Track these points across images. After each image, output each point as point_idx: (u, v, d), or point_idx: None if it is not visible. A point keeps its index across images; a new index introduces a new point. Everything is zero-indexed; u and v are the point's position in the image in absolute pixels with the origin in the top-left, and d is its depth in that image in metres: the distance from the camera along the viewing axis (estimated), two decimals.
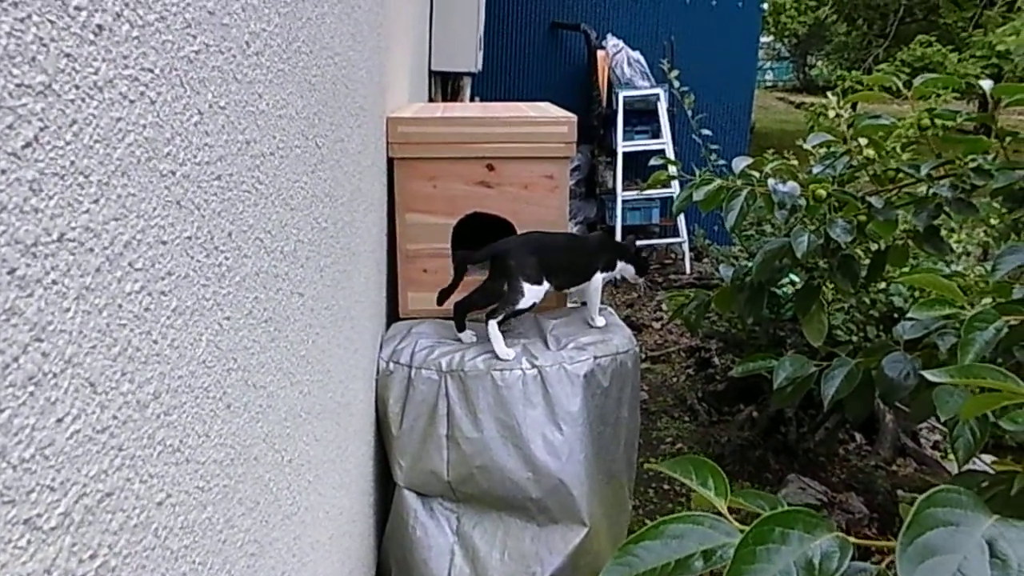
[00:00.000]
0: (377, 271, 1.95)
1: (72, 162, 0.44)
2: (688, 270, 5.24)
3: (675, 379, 3.92)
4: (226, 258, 0.73)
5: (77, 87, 0.44)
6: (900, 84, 1.92)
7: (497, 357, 1.87)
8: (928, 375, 0.90)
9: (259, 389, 0.86)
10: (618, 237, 5.26)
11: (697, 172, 2.05)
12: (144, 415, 0.55)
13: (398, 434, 1.92)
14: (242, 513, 0.80)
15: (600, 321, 2.09)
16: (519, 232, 2.14)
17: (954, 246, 2.91)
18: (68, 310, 0.44)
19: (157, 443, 0.57)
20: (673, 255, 5.63)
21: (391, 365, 1.94)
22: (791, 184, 1.88)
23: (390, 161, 2.08)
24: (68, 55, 0.43)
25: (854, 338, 2.69)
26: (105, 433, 0.49)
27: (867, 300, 2.71)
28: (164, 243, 0.58)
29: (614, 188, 5.26)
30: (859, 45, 11.77)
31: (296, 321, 1.03)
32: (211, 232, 0.68)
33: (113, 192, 0.50)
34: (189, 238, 0.63)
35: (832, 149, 1.92)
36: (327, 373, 1.28)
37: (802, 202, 1.91)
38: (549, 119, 2.11)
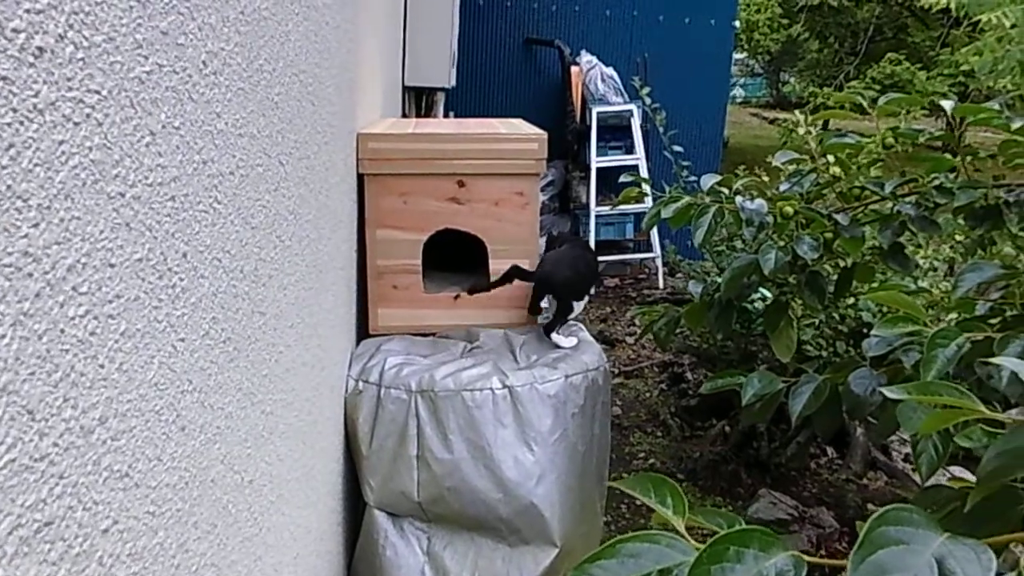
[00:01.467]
0: (347, 288, 1.95)
1: (8, 186, 0.43)
2: (661, 285, 5.27)
3: (648, 394, 3.93)
4: (180, 279, 0.72)
5: (15, 110, 0.44)
6: (865, 102, 1.95)
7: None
8: (887, 392, 0.91)
9: (217, 410, 0.85)
10: None
11: (667, 188, 2.07)
12: (89, 441, 0.54)
13: (368, 454, 1.91)
14: (197, 537, 0.79)
15: (568, 342, 2.09)
16: (489, 248, 2.15)
17: (921, 261, 2.95)
18: (3, 336, 0.43)
19: (103, 469, 0.56)
20: (647, 270, 5.66)
21: (360, 384, 1.93)
22: (759, 201, 1.90)
23: (360, 177, 2.08)
24: (4, 78, 0.42)
25: (824, 353, 2.71)
26: (44, 461, 0.48)
27: (836, 315, 2.74)
28: (112, 266, 0.57)
29: (588, 203, 5.28)
30: (831, 62, 11.95)
31: (257, 341, 1.02)
32: (164, 253, 0.68)
33: (55, 216, 0.49)
34: (140, 260, 0.62)
35: (799, 167, 1.95)
36: (292, 392, 1.27)
37: (770, 219, 1.93)
38: (519, 136, 2.12)
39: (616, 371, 4.17)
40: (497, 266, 2.18)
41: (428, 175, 2.10)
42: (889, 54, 9.86)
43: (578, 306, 2.13)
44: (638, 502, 2.99)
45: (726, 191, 2.05)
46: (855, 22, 11.12)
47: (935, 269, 3.10)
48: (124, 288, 0.59)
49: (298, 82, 1.22)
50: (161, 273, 0.67)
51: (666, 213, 1.89)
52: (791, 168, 2.10)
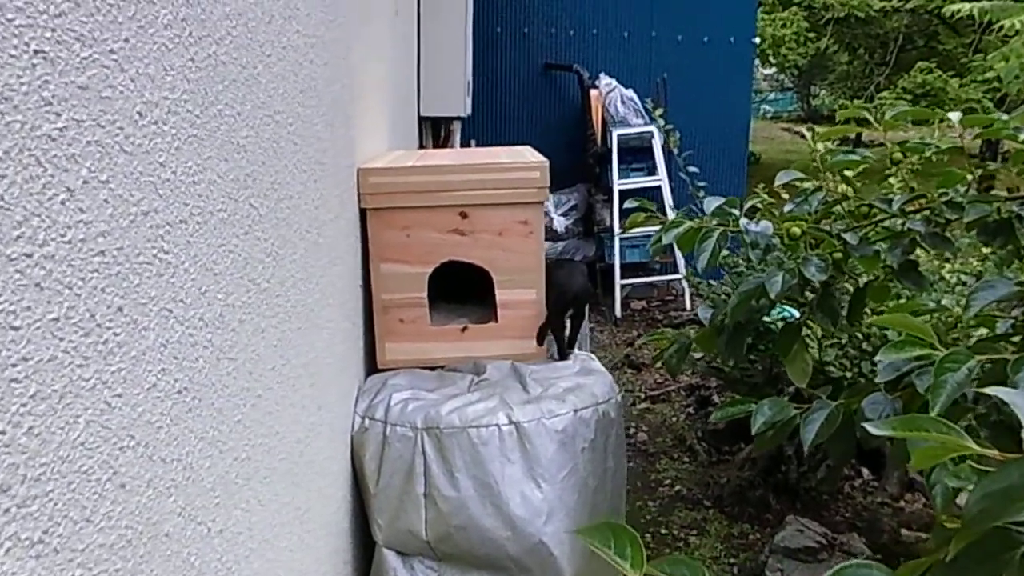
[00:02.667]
0: (350, 323, 1.94)
1: None
2: (689, 306, 5.20)
3: (675, 418, 3.86)
4: (115, 334, 0.71)
5: None
6: (872, 117, 1.90)
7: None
8: (869, 427, 0.86)
9: (170, 463, 0.83)
10: (617, 275, 5.24)
11: (672, 212, 2.03)
12: None
13: (375, 492, 1.88)
14: None
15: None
16: (495, 279, 2.13)
17: (947, 275, 2.86)
18: None
19: (5, 539, 0.54)
20: (674, 291, 5.59)
21: (366, 421, 1.91)
22: (764, 223, 1.85)
23: (363, 211, 2.07)
24: None
25: (848, 374, 2.63)
26: None
27: (859, 334, 2.66)
28: (15, 328, 0.56)
29: (612, 226, 5.24)
30: (861, 74, 11.79)
31: (226, 388, 1.01)
32: (90, 310, 0.66)
33: None
34: (56, 319, 0.61)
35: (805, 186, 1.90)
36: (275, 436, 1.25)
37: (776, 241, 1.88)
38: (521, 164, 2.10)
39: (642, 396, 4.11)
40: (504, 296, 2.15)
41: (430, 207, 2.08)
42: (920, 63, 9.70)
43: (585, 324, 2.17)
44: (663, 532, 2.93)
45: (736, 212, 2.01)
46: (884, 32, 10.97)
47: (964, 283, 3.00)
48: (33, 350, 0.58)
49: (272, 123, 1.22)
50: (87, 331, 0.66)
51: (667, 239, 1.85)
52: (808, 186, 2.05)
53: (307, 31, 1.45)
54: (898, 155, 1.83)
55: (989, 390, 0.87)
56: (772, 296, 1.75)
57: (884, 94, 9.35)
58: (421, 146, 4.09)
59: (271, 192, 1.22)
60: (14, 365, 0.56)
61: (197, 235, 0.91)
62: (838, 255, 1.85)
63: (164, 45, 0.80)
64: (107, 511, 0.69)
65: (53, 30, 0.60)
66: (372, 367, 2.20)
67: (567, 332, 2.20)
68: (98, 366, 0.68)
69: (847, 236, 1.81)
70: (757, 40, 5.80)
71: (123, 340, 0.72)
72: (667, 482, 3.28)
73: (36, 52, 0.58)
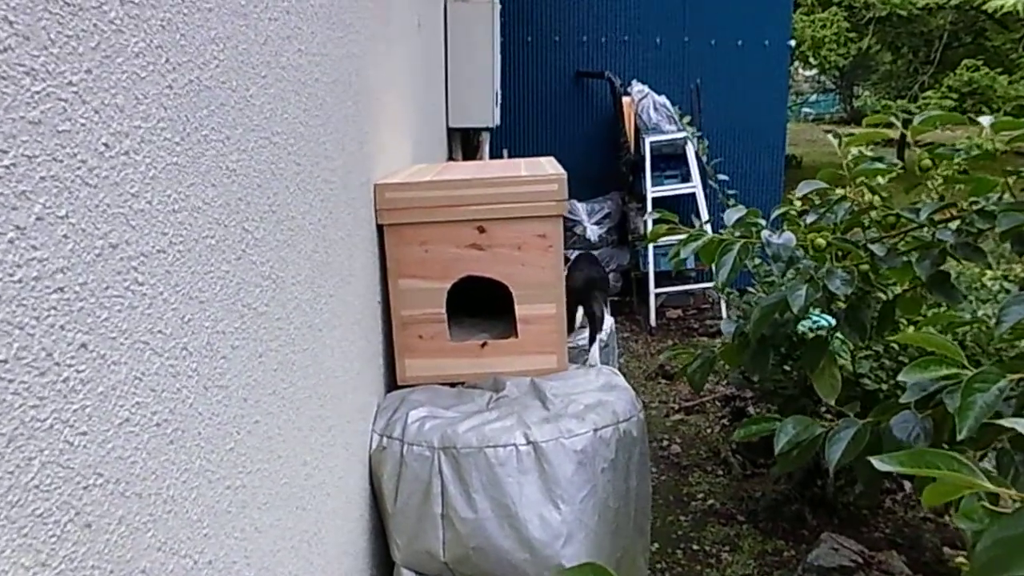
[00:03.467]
0: (366, 341, 1.92)
1: None
2: (725, 315, 5.10)
3: (709, 430, 3.79)
4: (77, 372, 0.69)
5: None
6: (898, 122, 1.84)
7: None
8: (876, 463, 0.81)
9: (147, 498, 0.82)
10: (651, 284, 5.17)
11: (696, 222, 1.99)
12: None
13: (393, 512, 1.86)
14: None
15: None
16: (514, 293, 2.10)
17: (988, 283, 2.75)
18: None
19: None
20: (710, 300, 5.50)
21: (384, 440, 1.89)
22: (786, 235, 1.79)
23: (380, 228, 2.06)
24: None
25: (884, 386, 2.54)
26: None
27: (895, 345, 2.57)
28: None
29: (646, 234, 5.18)
30: (905, 73, 11.51)
31: (215, 417, 0.99)
32: (47, 348, 0.65)
33: None
34: (4, 361, 0.60)
35: (828, 196, 1.84)
36: (277, 460, 1.23)
37: (800, 253, 1.82)
38: (538, 178, 2.07)
39: (676, 407, 4.05)
40: (524, 311, 2.13)
41: (447, 222, 2.06)
42: (966, 60, 9.43)
43: (607, 321, 2.27)
44: (695, 548, 2.86)
45: (761, 223, 1.95)
46: (928, 30, 10.69)
47: (1007, 291, 2.88)
48: None
49: (270, 144, 1.21)
50: (43, 370, 0.64)
51: (686, 252, 1.81)
52: (836, 195, 1.98)
53: (311, 50, 1.44)
54: (927, 162, 1.76)
55: (1006, 422, 0.81)
56: (795, 310, 1.69)
57: (929, 93, 9.12)
58: (451, 157, 4.09)
59: (269, 215, 1.21)
60: None
61: (178, 264, 0.89)
62: (865, 267, 1.79)
63: (135, 74, 0.79)
64: (68, 552, 0.68)
65: None
66: (392, 383, 2.19)
67: (577, 324, 2.41)
68: (56, 405, 0.66)
69: (874, 247, 1.75)
70: (793, 43, 5.68)
71: (88, 376, 0.71)
72: (700, 496, 3.22)
73: None
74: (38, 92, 0.64)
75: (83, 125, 0.70)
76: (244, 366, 1.10)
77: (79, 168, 0.70)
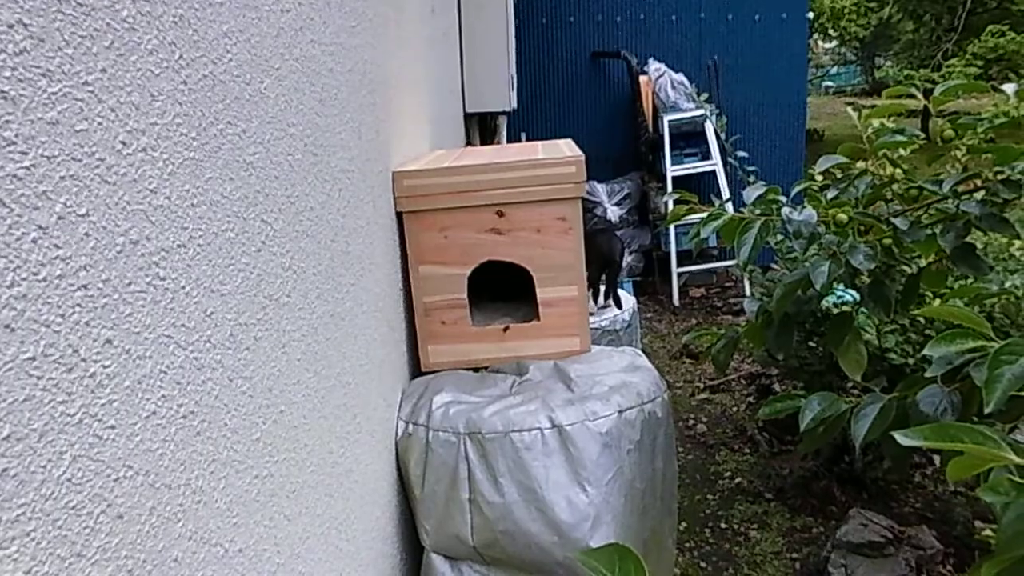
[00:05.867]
0: (388, 328, 1.93)
1: None
2: (748, 292, 5.07)
3: (735, 408, 3.77)
4: (103, 367, 0.71)
5: None
6: (919, 92, 1.81)
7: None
8: (899, 438, 0.81)
9: (176, 489, 0.83)
10: (673, 263, 5.15)
11: (727, 196, 1.97)
12: None
13: (421, 497, 1.88)
14: None
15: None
16: (535, 276, 2.10)
17: (1016, 252, 2.71)
18: None
19: None
20: (733, 278, 5.47)
21: (410, 427, 1.91)
22: (807, 211, 1.78)
23: (400, 215, 2.07)
24: None
25: (910, 360, 2.52)
26: None
27: (922, 319, 2.55)
28: None
29: (667, 214, 5.15)
30: (927, 42, 11.28)
31: (240, 407, 1.01)
32: (73, 345, 0.66)
33: None
34: (32, 358, 0.61)
35: (849, 170, 1.82)
36: (303, 449, 1.25)
37: (821, 229, 1.81)
38: (556, 160, 2.06)
39: (701, 386, 4.04)
40: (545, 295, 2.13)
41: (466, 207, 2.07)
42: (991, 26, 9.23)
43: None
44: (723, 526, 2.86)
45: (782, 199, 1.94)
46: None
47: None
48: (5, 392, 0.58)
49: (286, 136, 1.21)
50: (70, 366, 0.66)
51: (706, 232, 1.80)
52: (855, 170, 1.96)
53: (324, 40, 1.44)
54: (949, 132, 1.73)
55: None
56: (817, 287, 1.68)
57: (953, 61, 8.94)
58: (469, 142, 4.09)
59: (287, 206, 1.21)
60: None
61: (199, 258, 0.90)
62: (888, 241, 1.77)
63: (149, 71, 0.80)
64: (101, 544, 0.69)
65: (13, 69, 0.59)
66: (416, 370, 2.20)
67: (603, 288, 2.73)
68: (84, 400, 0.68)
69: (897, 221, 1.73)
70: (811, 15, 5.60)
71: (114, 371, 0.72)
72: (727, 474, 3.21)
73: None
74: (55, 93, 0.64)
75: (100, 124, 0.71)
76: (268, 357, 1.11)
77: (98, 167, 0.70)
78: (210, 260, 0.93)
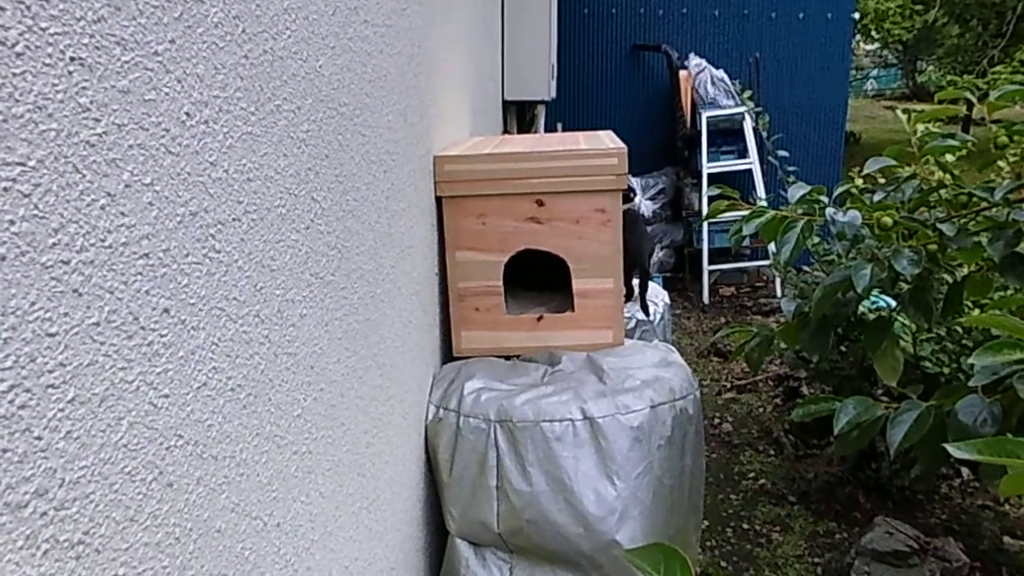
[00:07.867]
0: (423, 312, 1.94)
1: None
2: (780, 293, 5.03)
3: (762, 409, 3.75)
4: (160, 336, 0.71)
5: None
6: (973, 97, 1.78)
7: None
8: (951, 450, 0.80)
9: (222, 460, 0.84)
10: (704, 260, 5.11)
11: (763, 196, 1.95)
12: (19, 516, 0.53)
13: (448, 482, 1.89)
14: None
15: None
16: (572, 267, 2.09)
17: None
18: None
19: (43, 541, 0.55)
20: (764, 278, 5.42)
21: (440, 411, 1.91)
22: (852, 213, 1.75)
23: (439, 199, 2.07)
24: None
25: (946, 370, 2.49)
26: None
27: (959, 328, 2.51)
28: (51, 335, 0.56)
29: (700, 210, 5.12)
30: (973, 47, 11.07)
31: (284, 383, 1.01)
32: (133, 312, 0.67)
33: None
34: (96, 324, 0.62)
35: (894, 174, 1.79)
36: (340, 427, 1.26)
37: (865, 231, 1.78)
38: (598, 151, 2.05)
39: (728, 385, 4.01)
40: (581, 286, 2.12)
41: (506, 195, 2.06)
42: None
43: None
44: (745, 527, 2.85)
45: (823, 200, 1.92)
46: (1000, 0, 10.28)
47: None
48: (71, 356, 0.58)
49: (337, 115, 1.21)
50: (130, 333, 0.66)
51: (748, 229, 1.78)
52: (901, 174, 1.93)
53: (376, 20, 1.44)
54: (1003, 139, 1.70)
55: None
56: (859, 290, 1.66)
57: (999, 68, 8.77)
58: (506, 130, 4.08)
59: (335, 185, 1.22)
60: (51, 371, 0.56)
61: (252, 232, 0.91)
62: (933, 247, 1.74)
63: (214, 44, 0.80)
64: (152, 510, 0.70)
65: (91, 36, 0.60)
66: (448, 355, 2.21)
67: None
68: (142, 368, 0.68)
69: (943, 227, 1.70)
70: (856, 15, 5.52)
71: (170, 341, 0.73)
72: (751, 475, 3.19)
73: (72, 59, 0.58)
74: (127, 62, 0.65)
75: (167, 94, 0.71)
76: (311, 334, 1.12)
77: (163, 136, 0.71)
78: (262, 235, 0.94)
